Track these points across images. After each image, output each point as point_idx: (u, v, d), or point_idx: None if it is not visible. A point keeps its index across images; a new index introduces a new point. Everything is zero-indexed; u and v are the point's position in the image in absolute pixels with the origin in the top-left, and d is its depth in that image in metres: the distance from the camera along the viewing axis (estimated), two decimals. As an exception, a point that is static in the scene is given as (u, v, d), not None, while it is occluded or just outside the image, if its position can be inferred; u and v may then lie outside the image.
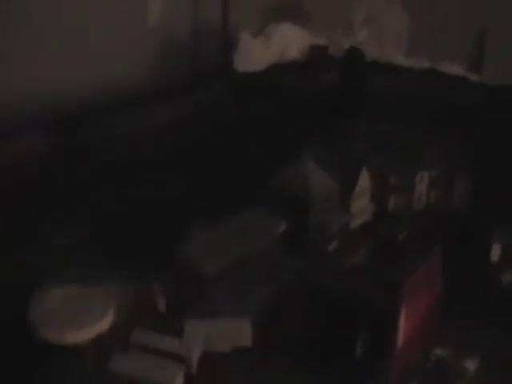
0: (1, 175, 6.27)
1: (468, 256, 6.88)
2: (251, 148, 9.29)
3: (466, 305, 6.10)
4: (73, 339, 4.91)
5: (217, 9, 11.70)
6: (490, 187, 9.34)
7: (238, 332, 5.24)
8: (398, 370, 5.30)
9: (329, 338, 5.41)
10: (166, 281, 5.51)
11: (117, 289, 5.32)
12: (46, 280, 5.44)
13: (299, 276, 6.27)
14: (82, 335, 4.95)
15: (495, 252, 7.43)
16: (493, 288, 6.57)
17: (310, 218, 6.70)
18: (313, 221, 6.69)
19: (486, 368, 5.38)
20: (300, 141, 8.51)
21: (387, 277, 5.92)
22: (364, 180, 8.22)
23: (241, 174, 8.45)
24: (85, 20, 7.84)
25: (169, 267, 5.59)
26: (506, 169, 9.32)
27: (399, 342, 5.48)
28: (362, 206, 8.24)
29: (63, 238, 6.09)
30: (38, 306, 5.07)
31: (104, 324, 5.07)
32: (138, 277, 5.53)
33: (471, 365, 5.30)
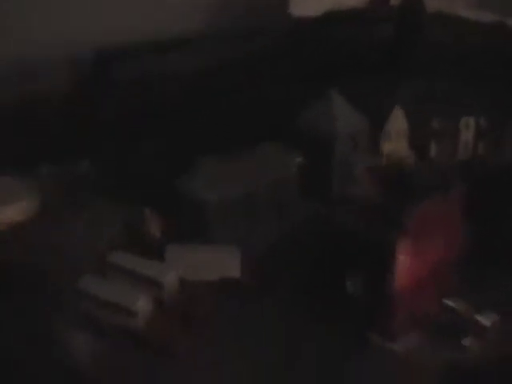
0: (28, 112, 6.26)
1: (498, 208, 6.58)
2: (280, 88, 9.16)
3: (490, 255, 5.85)
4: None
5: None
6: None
7: (227, 261, 5.07)
8: (399, 315, 5.00)
9: (325, 274, 5.25)
10: (161, 206, 5.38)
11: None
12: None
13: (309, 217, 6.13)
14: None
15: None
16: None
17: (332, 156, 6.33)
18: (336, 160, 6.41)
19: (504, 323, 5.12)
20: (331, 81, 8.29)
21: (393, 209, 5.67)
22: (398, 120, 7.37)
23: (268, 112, 8.37)
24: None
25: (166, 194, 5.46)
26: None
27: (399, 283, 5.16)
28: (397, 151, 7.87)
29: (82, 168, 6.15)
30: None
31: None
32: (131, 202, 5.49)
33: (487, 320, 5.07)
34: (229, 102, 9.34)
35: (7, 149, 6.13)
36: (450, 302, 5.29)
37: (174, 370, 4.42)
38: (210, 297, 4.95)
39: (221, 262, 5.17)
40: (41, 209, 5.75)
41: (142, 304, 4.66)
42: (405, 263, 5.14)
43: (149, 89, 7.98)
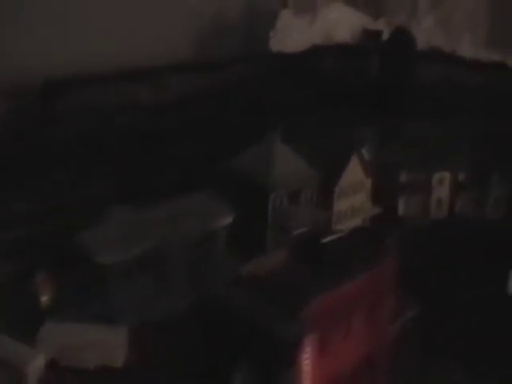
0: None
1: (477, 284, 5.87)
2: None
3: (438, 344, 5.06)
4: None
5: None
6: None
7: (109, 344, 4.13)
8: None
9: (211, 364, 4.19)
10: (59, 266, 4.48)
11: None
12: None
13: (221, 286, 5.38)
14: None
15: None
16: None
17: (266, 212, 5.48)
18: (272, 216, 5.57)
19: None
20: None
21: (289, 302, 4.93)
22: (354, 172, 6.50)
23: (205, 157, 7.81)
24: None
25: (64, 251, 4.59)
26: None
27: None
28: (353, 206, 7.05)
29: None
30: None
31: None
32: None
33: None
34: (164, 145, 8.82)
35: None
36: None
37: None
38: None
39: (103, 346, 4.25)
40: None
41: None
42: (311, 361, 4.35)
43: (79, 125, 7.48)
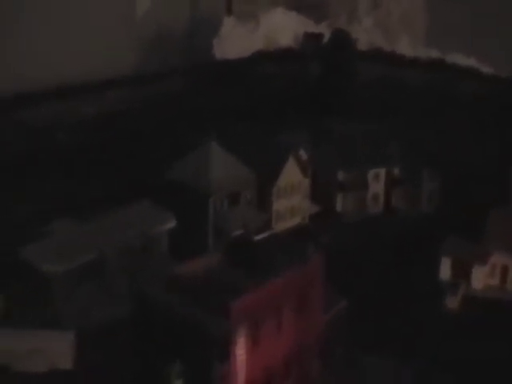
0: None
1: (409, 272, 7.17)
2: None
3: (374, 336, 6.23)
4: None
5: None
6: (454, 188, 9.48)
7: (58, 349, 5.55)
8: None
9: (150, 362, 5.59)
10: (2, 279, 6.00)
11: None
12: None
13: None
14: None
15: (445, 268, 7.24)
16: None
17: (208, 215, 6.70)
18: (213, 219, 6.86)
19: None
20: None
21: (221, 299, 6.30)
22: (291, 173, 8.05)
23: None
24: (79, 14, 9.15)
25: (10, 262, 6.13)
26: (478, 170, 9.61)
27: (236, 379, 5.08)
28: (292, 206, 8.66)
29: None
30: None
31: None
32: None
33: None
34: (104, 158, 10.52)
35: None
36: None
37: None
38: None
39: (51, 350, 5.81)
40: None
41: None
42: (242, 357, 5.79)
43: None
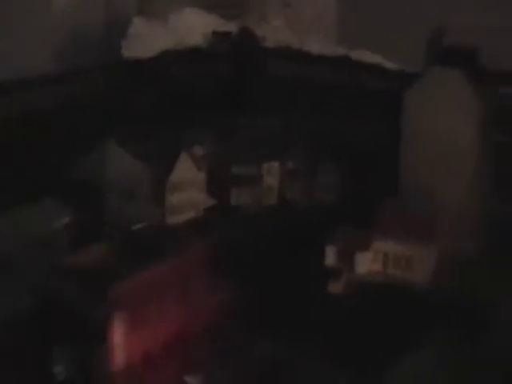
0: None
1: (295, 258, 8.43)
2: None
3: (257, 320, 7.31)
4: None
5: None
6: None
7: None
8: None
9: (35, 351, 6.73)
10: None
11: None
12: None
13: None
14: None
15: (330, 255, 8.43)
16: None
17: (104, 210, 7.86)
18: (109, 213, 8.03)
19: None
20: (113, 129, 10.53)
21: (101, 286, 7.19)
22: (185, 168, 9.22)
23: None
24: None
25: None
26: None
27: (116, 362, 6.05)
28: (187, 199, 9.99)
29: None
30: None
31: None
32: None
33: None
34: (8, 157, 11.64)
35: None
36: (191, 380, 6.39)
37: None
38: None
39: None
40: None
41: None
42: (120, 340, 6.86)
43: None
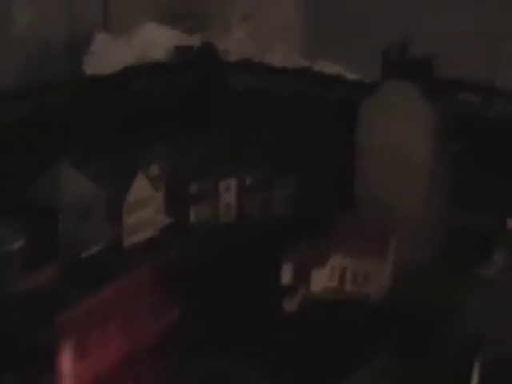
0: None
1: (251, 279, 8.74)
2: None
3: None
4: None
5: (96, 14, 14.17)
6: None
7: None
8: None
9: None
10: None
11: None
12: None
13: None
14: None
15: (286, 273, 8.76)
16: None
17: (58, 231, 8.19)
18: (64, 235, 8.39)
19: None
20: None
21: (48, 312, 7.72)
22: (141, 188, 9.68)
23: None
24: None
25: None
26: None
27: None
28: (144, 219, 10.53)
29: None
30: None
31: None
32: None
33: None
34: None
35: None
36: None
37: None
38: None
39: None
40: None
41: None
42: (69, 366, 7.59)
43: None
